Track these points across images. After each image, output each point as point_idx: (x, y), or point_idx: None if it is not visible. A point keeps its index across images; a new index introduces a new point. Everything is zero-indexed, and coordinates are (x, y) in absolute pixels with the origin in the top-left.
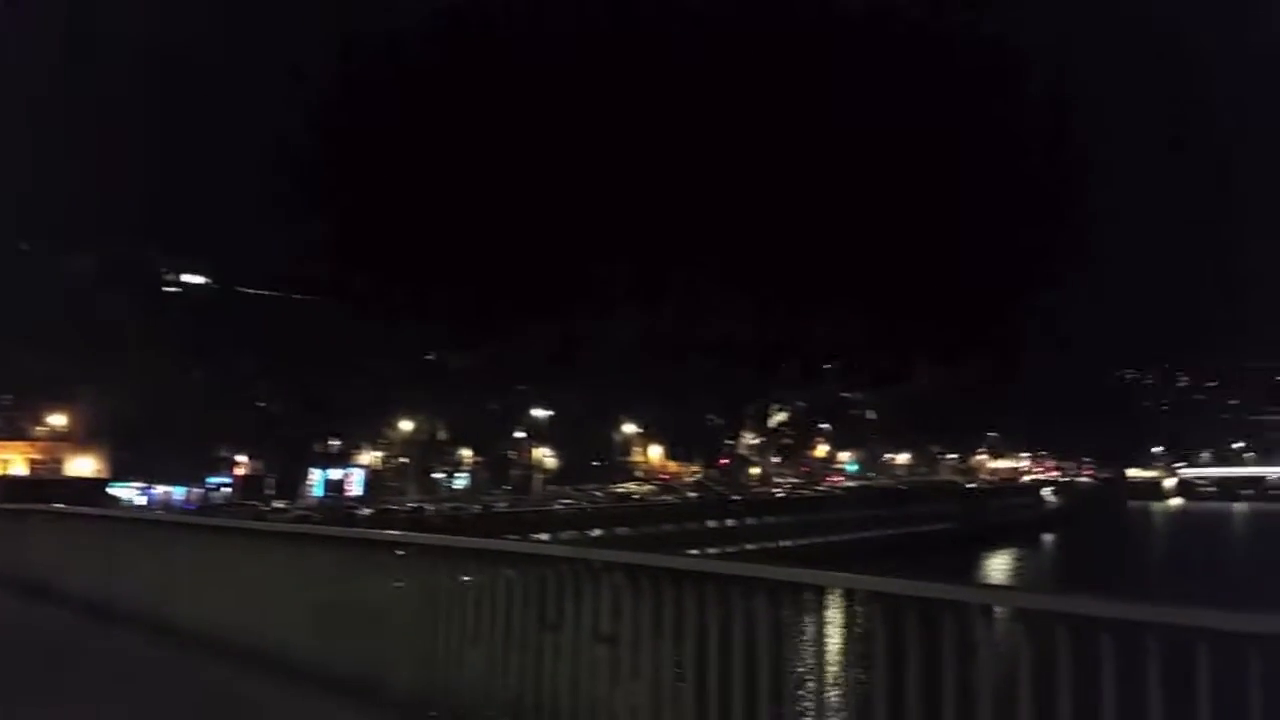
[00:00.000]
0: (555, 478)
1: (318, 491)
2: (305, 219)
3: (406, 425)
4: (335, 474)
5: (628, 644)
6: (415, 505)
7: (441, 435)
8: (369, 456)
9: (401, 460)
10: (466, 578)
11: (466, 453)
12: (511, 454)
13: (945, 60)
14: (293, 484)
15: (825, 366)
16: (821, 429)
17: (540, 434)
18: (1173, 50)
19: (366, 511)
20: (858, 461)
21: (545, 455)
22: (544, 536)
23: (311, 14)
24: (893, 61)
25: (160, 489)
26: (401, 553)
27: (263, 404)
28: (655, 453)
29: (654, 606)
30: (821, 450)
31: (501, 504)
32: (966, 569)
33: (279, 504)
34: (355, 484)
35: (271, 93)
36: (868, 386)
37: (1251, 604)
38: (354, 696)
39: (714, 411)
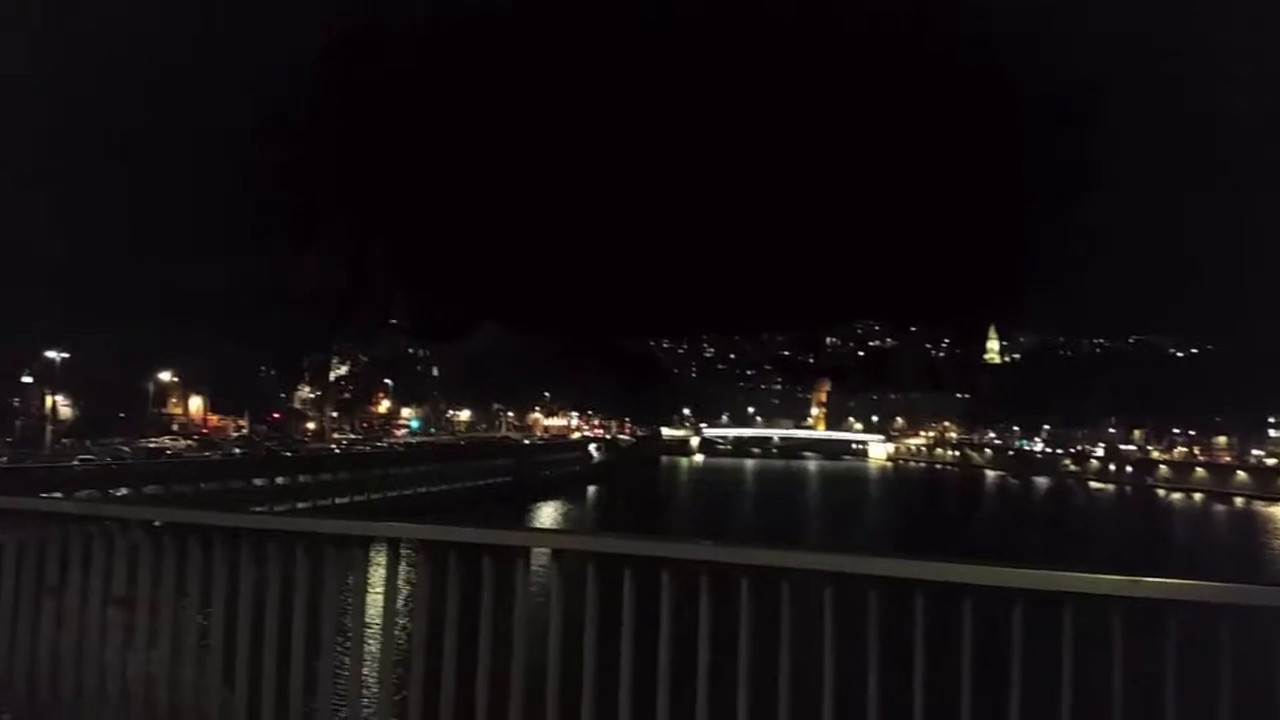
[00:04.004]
0: (73, 430)
1: None
2: None
3: None
4: None
5: (145, 606)
6: None
7: None
8: None
9: None
10: None
11: None
12: (16, 402)
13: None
14: None
15: (391, 321)
16: (384, 384)
17: (54, 380)
18: None
19: None
20: (420, 418)
21: (61, 404)
22: (56, 496)
23: None
24: None
25: None
26: None
27: None
28: (196, 405)
29: (177, 565)
30: (383, 406)
31: (0, 459)
32: (519, 517)
33: None
34: None
35: None
36: (432, 342)
37: (745, 540)
38: None
39: (266, 362)
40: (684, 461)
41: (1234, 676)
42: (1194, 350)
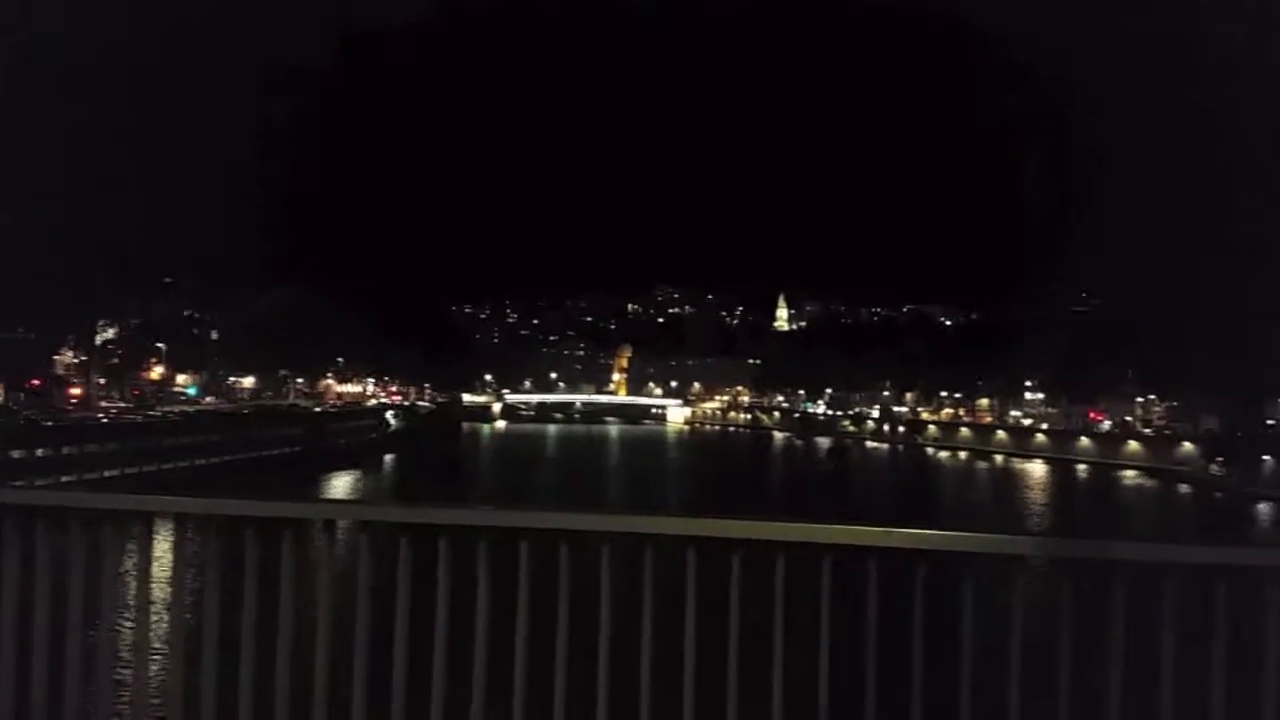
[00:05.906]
0: None
1: None
2: None
3: None
4: None
5: None
6: None
7: None
8: None
9: None
10: None
11: None
12: None
13: None
14: None
15: (166, 280)
16: (158, 348)
17: None
18: None
19: None
20: (199, 384)
21: None
22: None
23: None
24: None
25: None
26: None
27: None
28: None
29: None
30: (157, 372)
31: None
32: (308, 488)
33: None
34: None
35: None
36: (213, 305)
37: (529, 505)
38: None
39: (24, 324)
40: (486, 428)
41: (975, 621)
42: (961, 319)
